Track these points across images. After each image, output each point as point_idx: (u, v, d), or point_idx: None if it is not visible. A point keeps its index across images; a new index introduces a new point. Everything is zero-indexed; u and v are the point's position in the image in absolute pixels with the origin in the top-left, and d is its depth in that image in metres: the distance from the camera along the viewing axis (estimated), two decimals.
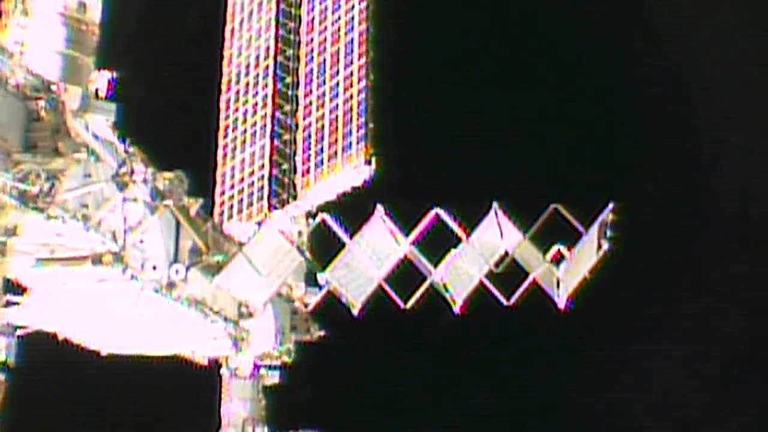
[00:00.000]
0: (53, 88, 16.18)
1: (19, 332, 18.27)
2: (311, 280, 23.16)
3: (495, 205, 22.71)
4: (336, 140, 20.45)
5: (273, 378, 23.94)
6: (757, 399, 35.95)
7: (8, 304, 17.96)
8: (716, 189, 37.94)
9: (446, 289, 22.90)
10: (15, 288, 18.32)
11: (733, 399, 36.41)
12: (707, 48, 38.76)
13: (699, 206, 37.19)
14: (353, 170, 19.70)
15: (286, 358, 23.93)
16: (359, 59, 20.70)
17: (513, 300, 23.26)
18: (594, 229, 23.28)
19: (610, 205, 23.59)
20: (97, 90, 17.59)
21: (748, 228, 37.55)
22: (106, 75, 17.76)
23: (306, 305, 23.78)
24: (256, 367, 23.61)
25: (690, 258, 37.05)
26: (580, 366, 35.84)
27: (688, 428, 35.83)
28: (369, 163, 19.56)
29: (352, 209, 21.87)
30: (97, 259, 17.20)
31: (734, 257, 37.21)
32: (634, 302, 36.11)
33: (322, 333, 24.23)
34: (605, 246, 23.78)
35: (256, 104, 23.37)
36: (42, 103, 15.88)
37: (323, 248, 22.41)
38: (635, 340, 36.45)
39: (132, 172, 17.40)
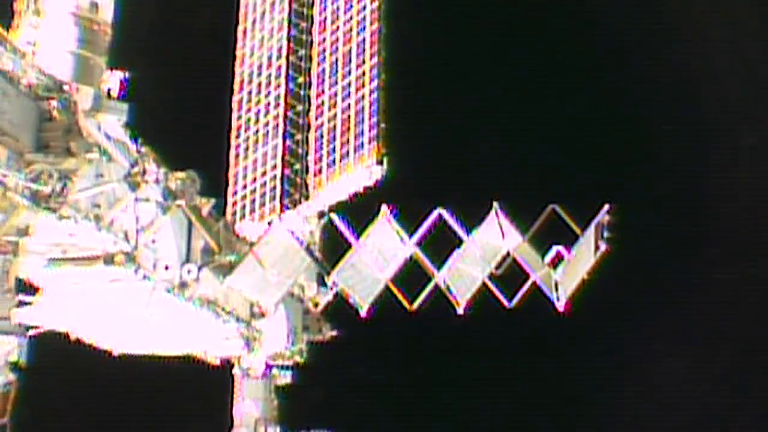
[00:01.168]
0: (65, 88, 16.15)
1: (30, 332, 18.25)
2: (323, 280, 23.17)
3: (496, 205, 22.66)
4: (348, 140, 20.43)
5: (285, 378, 23.94)
6: (760, 401, 35.92)
7: (20, 304, 17.94)
8: (725, 189, 37.90)
9: (450, 291, 22.88)
10: (27, 288, 18.34)
11: (735, 401, 36.39)
12: (719, 47, 38.71)
13: (708, 207, 37.19)
14: (365, 170, 19.67)
15: (298, 358, 23.94)
16: (371, 59, 20.67)
17: (514, 302, 23.23)
18: (591, 230, 23.25)
19: (606, 207, 23.56)
20: (109, 90, 17.58)
21: (756, 229, 37.49)
22: (119, 75, 17.75)
23: (316, 305, 23.77)
24: (268, 367, 23.60)
25: (695, 259, 37.06)
26: (582, 367, 35.87)
27: (690, 430, 35.81)
28: (381, 163, 19.54)
29: (364, 209, 21.87)
30: (109, 259, 17.19)
31: (741, 258, 37.17)
32: (636, 303, 36.20)
33: (333, 333, 24.23)
34: (603, 247, 23.73)
35: (269, 104, 23.36)
36: (54, 103, 15.84)
37: (336, 248, 22.42)
38: (637, 342, 36.48)
39: (144, 172, 17.38)
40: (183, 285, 18.93)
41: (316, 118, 21.89)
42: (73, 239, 16.76)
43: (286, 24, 23.66)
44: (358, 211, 21.94)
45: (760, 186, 37.44)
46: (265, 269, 19.95)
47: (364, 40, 20.96)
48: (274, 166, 22.28)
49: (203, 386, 26.54)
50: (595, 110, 37.83)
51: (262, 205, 22.17)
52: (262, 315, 21.76)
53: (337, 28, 22.06)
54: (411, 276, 22.85)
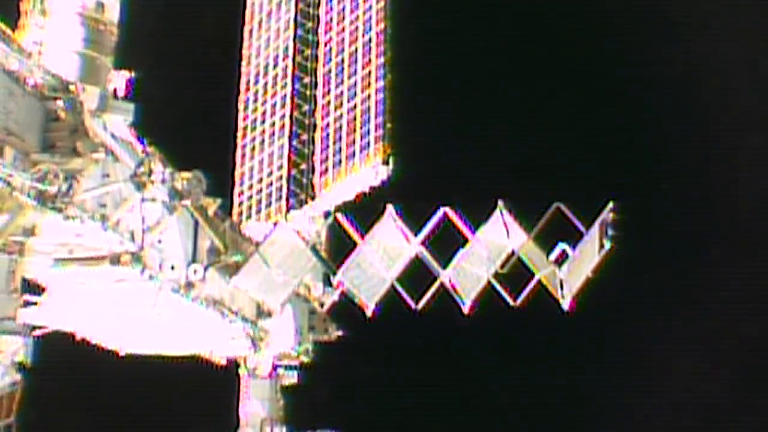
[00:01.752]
0: (71, 88, 16.13)
1: (36, 332, 18.25)
2: (329, 280, 23.17)
3: (500, 204, 22.63)
4: (354, 140, 20.43)
5: (291, 378, 23.95)
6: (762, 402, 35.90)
7: (26, 304, 17.96)
8: (730, 188, 37.88)
9: (455, 290, 22.86)
10: (33, 288, 18.33)
11: (742, 400, 36.34)
12: (723, 45, 38.68)
13: (713, 205, 37.16)
14: (371, 170, 19.68)
15: (304, 358, 23.95)
16: (377, 59, 20.67)
17: (519, 300, 23.21)
18: (594, 228, 23.22)
19: (611, 204, 23.54)
20: (115, 90, 17.56)
21: (761, 228, 37.43)
22: (125, 75, 17.73)
23: (322, 305, 23.77)
24: (275, 367, 23.62)
25: (700, 257, 37.03)
26: (587, 366, 35.86)
27: (697, 429, 35.78)
28: (386, 162, 19.54)
29: (370, 209, 21.86)
30: (115, 259, 17.18)
31: (747, 256, 37.15)
32: (641, 301, 36.18)
33: (340, 333, 24.23)
34: (607, 245, 23.69)
35: (275, 104, 23.37)
36: (60, 103, 15.82)
37: (341, 248, 22.41)
38: (642, 340, 36.45)
39: (150, 172, 17.35)
40: (189, 285, 18.92)
41: (322, 118, 21.89)
42: (79, 239, 16.75)
43: (292, 24, 23.67)
44: (364, 210, 21.92)
45: (764, 185, 37.44)
46: (271, 269, 19.95)
47: (370, 39, 20.96)
48: (280, 166, 22.30)
49: (209, 386, 26.55)
50: (599, 108, 37.85)
51: (268, 205, 22.19)
52: (269, 315, 21.77)
53: (343, 28, 22.05)
54: (416, 275, 22.83)
